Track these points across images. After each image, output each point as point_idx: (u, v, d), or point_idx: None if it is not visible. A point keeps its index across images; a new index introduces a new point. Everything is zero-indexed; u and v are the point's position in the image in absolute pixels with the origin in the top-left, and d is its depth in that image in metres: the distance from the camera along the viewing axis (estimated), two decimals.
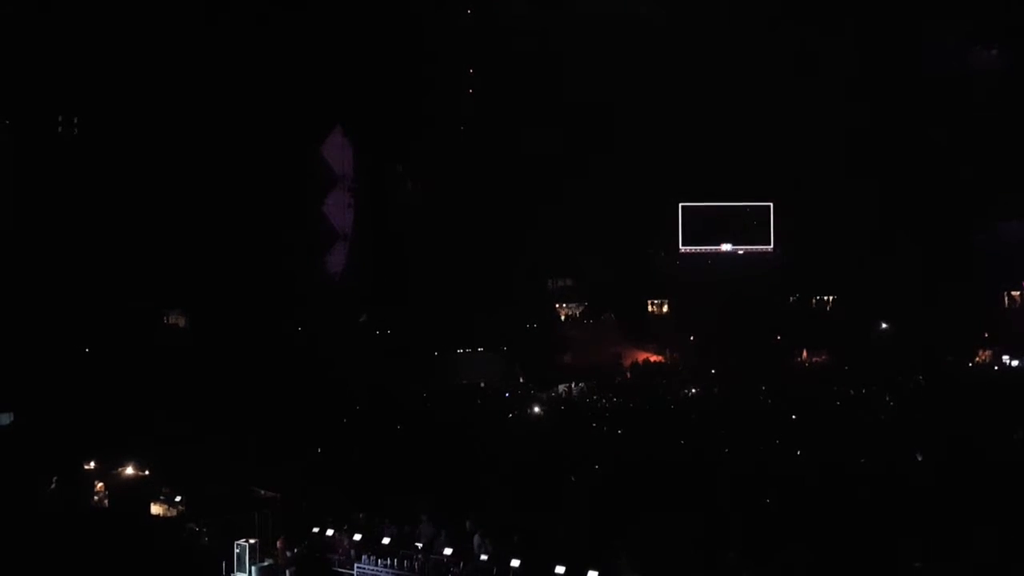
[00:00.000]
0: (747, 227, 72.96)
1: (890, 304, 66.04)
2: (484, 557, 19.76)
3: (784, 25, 59.84)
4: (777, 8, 58.67)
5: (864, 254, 64.44)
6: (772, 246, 72.36)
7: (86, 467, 27.53)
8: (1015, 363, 60.01)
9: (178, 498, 24.64)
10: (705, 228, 72.76)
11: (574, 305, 73.86)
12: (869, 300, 67.27)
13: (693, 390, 52.95)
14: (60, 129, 48.45)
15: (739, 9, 58.44)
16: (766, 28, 59.99)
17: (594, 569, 18.01)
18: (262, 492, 24.04)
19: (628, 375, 61.39)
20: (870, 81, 61.59)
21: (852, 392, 48.56)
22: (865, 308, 67.84)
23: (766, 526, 21.19)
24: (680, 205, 71.88)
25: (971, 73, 61.95)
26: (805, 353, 66.34)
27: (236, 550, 20.26)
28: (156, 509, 24.46)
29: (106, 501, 25.35)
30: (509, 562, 19.27)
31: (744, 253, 72.80)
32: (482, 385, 55.59)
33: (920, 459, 18.17)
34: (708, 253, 73.01)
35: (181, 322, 54.05)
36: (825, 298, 73.05)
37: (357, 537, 21.25)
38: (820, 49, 60.65)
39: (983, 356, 64.09)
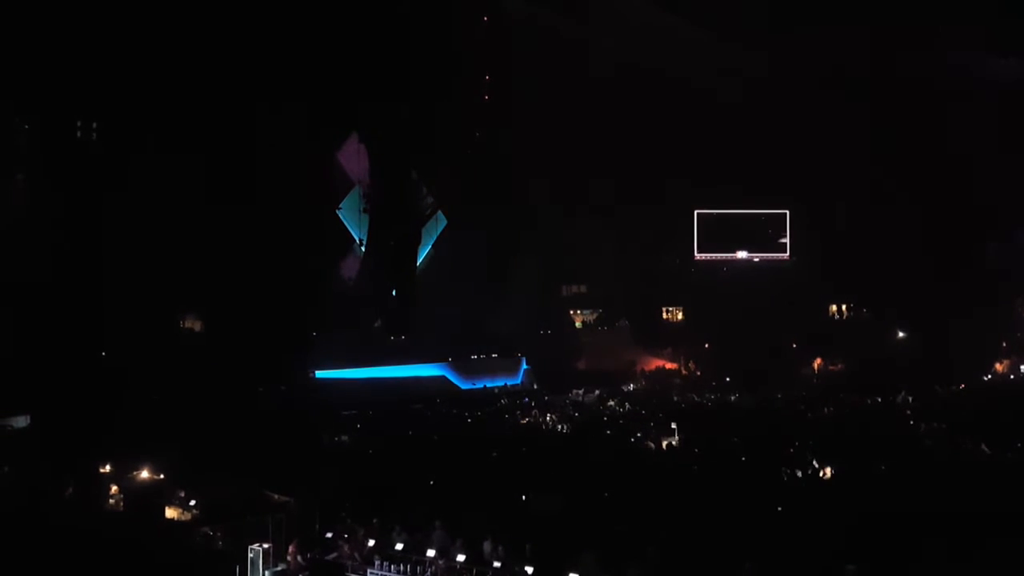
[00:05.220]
0: (763, 235, 72.71)
1: (907, 313, 65.73)
2: (497, 564, 19.69)
3: (801, 32, 59.59)
4: (794, 15, 58.43)
5: (880, 263, 64.10)
6: (788, 254, 72.09)
7: (101, 470, 27.64)
8: None
9: (192, 502, 24.69)
10: (720, 235, 72.54)
11: (588, 312, 73.82)
12: (885, 309, 66.95)
13: (711, 397, 52.90)
14: (79, 133, 48.78)
15: (756, 15, 58.23)
16: (783, 34, 59.77)
17: None
18: (275, 496, 24.06)
19: (643, 382, 61.35)
20: (887, 88, 61.33)
21: (869, 401, 48.31)
22: (881, 317, 67.52)
23: (783, 536, 21.01)
24: (695, 212, 71.72)
25: (989, 81, 61.58)
26: (820, 361, 66.10)
27: (250, 554, 20.28)
28: (171, 513, 24.51)
29: (121, 504, 25.43)
30: (522, 570, 19.19)
31: (759, 261, 72.53)
32: (495, 391, 55.69)
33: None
34: (723, 260, 72.77)
35: (197, 326, 54.30)
36: (841, 307, 72.78)
37: (371, 543, 21.23)
38: (837, 56, 60.41)
39: (1001, 366, 63.69)
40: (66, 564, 19.90)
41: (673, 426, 37.43)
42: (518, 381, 59.92)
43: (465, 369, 58.24)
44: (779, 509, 23.72)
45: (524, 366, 61.37)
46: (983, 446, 32.33)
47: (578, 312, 73.84)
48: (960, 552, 19.15)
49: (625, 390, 56.11)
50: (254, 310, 49.19)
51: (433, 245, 65.05)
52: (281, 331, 49.74)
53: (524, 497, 25.21)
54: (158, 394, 38.97)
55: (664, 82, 60.80)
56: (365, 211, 61.19)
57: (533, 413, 44.81)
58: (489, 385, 57.33)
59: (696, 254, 72.34)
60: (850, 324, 71.05)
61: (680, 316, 73.56)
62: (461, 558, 19.86)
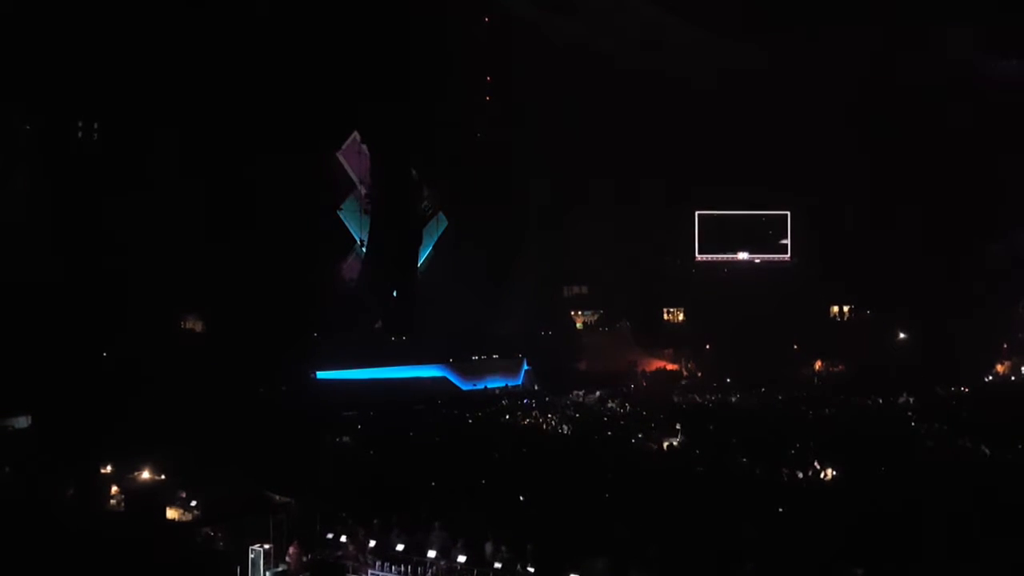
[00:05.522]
0: (764, 236, 72.71)
1: (908, 314, 65.71)
2: (498, 565, 19.67)
3: (803, 32, 59.61)
4: (795, 15, 58.47)
5: (881, 264, 64.09)
6: (789, 255, 72.08)
7: (102, 470, 27.63)
8: None
9: (193, 502, 24.68)
10: (721, 236, 72.55)
11: (589, 313, 73.81)
12: (886, 310, 66.93)
13: (712, 398, 52.87)
14: (80, 135, 48.85)
15: (757, 14, 58.27)
16: (785, 35, 59.78)
17: None
18: (276, 497, 24.07)
19: (644, 383, 61.29)
20: (888, 88, 61.34)
21: (870, 402, 48.29)
22: (882, 318, 67.50)
23: (784, 537, 21.00)
24: (696, 213, 71.70)
25: (990, 81, 61.56)
26: (821, 362, 66.08)
27: (250, 555, 20.27)
28: (171, 513, 24.51)
29: (122, 504, 25.43)
30: (524, 570, 19.19)
31: (760, 262, 72.52)
32: (496, 392, 55.68)
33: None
34: (724, 261, 72.75)
35: (198, 327, 54.31)
36: (842, 308, 72.78)
37: (371, 543, 21.21)
38: (839, 56, 60.44)
39: (1002, 368, 63.68)
40: (67, 564, 19.91)
41: (677, 427, 37.43)
42: (519, 382, 59.91)
43: (466, 370, 58.21)
44: (780, 510, 23.71)
45: (525, 367, 61.34)
46: (983, 447, 32.33)
47: (579, 313, 73.84)
48: (961, 553, 19.14)
49: (626, 391, 56.05)
50: (255, 311, 49.18)
51: (434, 246, 65.04)
52: (282, 332, 49.72)
53: (521, 498, 25.20)
54: (159, 395, 38.96)
55: (665, 83, 60.80)
56: (366, 212, 61.22)
57: (534, 414, 44.79)
58: (490, 386, 57.32)
59: (697, 255, 72.34)
60: (851, 325, 71.02)
61: (681, 317, 73.57)
62: (462, 559, 19.85)
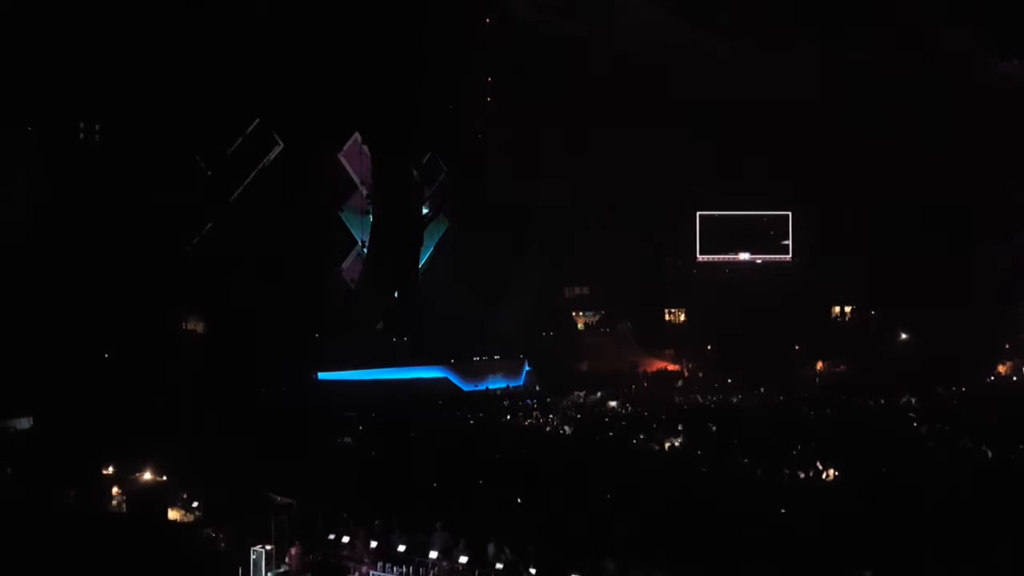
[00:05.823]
0: (765, 236, 72.71)
1: (909, 314, 65.71)
2: (499, 566, 19.66)
3: (804, 32, 59.64)
4: (798, 14, 58.49)
5: (883, 264, 64.09)
6: (790, 255, 72.07)
7: (104, 471, 27.62)
8: None
9: (195, 503, 24.68)
10: (723, 237, 72.55)
11: (591, 313, 73.84)
12: (888, 310, 66.92)
13: (713, 398, 52.87)
14: (82, 135, 48.90)
15: (758, 15, 58.29)
16: (785, 34, 59.81)
17: None
18: (278, 498, 24.06)
19: (645, 383, 61.29)
20: (889, 88, 61.34)
21: (872, 403, 48.26)
22: (884, 318, 67.49)
23: (785, 537, 20.99)
24: (698, 213, 71.70)
25: (994, 82, 61.56)
26: (822, 363, 66.08)
27: (252, 556, 20.26)
28: (173, 515, 24.50)
29: (123, 506, 25.42)
30: (526, 571, 19.18)
31: (762, 262, 72.51)
32: (498, 393, 55.67)
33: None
34: (726, 262, 72.75)
35: (199, 327, 54.30)
36: (844, 308, 72.81)
37: (373, 544, 21.20)
38: (840, 56, 60.47)
39: (1004, 368, 63.69)
40: (68, 565, 19.91)
41: (679, 427, 37.41)
42: (520, 383, 59.91)
43: (467, 371, 58.20)
44: (782, 511, 23.70)
45: (526, 368, 61.34)
46: (985, 448, 32.29)
47: (580, 314, 73.85)
48: (962, 554, 19.13)
49: (627, 392, 56.03)
50: (256, 311, 49.19)
51: (435, 247, 65.03)
52: (283, 332, 49.73)
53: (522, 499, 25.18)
54: (160, 395, 38.98)
55: (666, 82, 60.81)
56: (367, 213, 61.21)
57: (535, 415, 44.78)
58: (491, 387, 57.33)
59: (698, 255, 72.34)
60: (852, 325, 71.03)
61: (682, 318, 73.60)
62: (463, 560, 19.83)
